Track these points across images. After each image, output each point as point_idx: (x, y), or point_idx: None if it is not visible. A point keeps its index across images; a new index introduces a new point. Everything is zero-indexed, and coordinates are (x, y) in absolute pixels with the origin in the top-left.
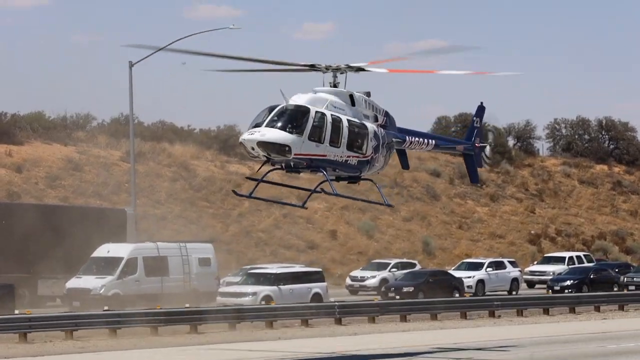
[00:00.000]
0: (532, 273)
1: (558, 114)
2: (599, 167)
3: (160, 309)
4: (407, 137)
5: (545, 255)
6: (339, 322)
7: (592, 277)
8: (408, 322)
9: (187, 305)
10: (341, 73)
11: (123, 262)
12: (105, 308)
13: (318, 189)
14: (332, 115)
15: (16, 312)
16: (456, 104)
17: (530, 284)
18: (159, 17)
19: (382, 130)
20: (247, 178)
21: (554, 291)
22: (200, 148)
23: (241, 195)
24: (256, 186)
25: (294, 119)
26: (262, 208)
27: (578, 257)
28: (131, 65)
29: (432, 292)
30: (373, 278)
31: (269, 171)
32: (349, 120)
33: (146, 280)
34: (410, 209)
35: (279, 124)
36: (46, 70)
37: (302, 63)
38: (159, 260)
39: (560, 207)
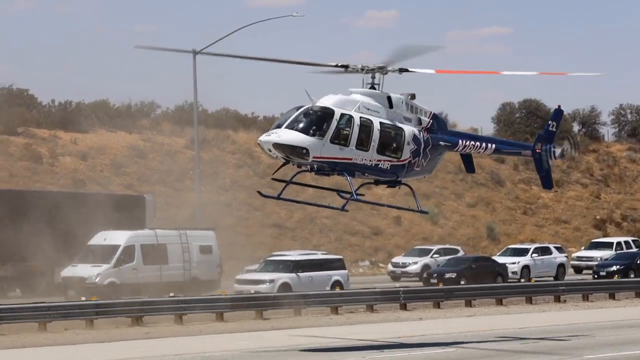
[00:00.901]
0: (579, 259)
1: (623, 100)
2: None
3: (226, 294)
4: (459, 141)
5: (593, 240)
6: (404, 307)
7: (638, 262)
8: (473, 307)
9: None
10: (384, 74)
11: (120, 250)
12: (94, 298)
13: (345, 195)
14: (361, 117)
15: (82, 298)
16: (520, 90)
17: (578, 270)
18: (221, 5)
19: (425, 133)
20: (272, 179)
21: (599, 277)
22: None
23: (267, 197)
24: (285, 187)
25: (316, 120)
26: (326, 194)
27: (626, 242)
28: (195, 53)
29: (474, 279)
30: (415, 264)
31: (297, 172)
32: (382, 123)
33: (144, 269)
34: (475, 195)
35: (299, 126)
36: (111, 59)
37: (334, 64)
38: (157, 248)
39: (626, 192)
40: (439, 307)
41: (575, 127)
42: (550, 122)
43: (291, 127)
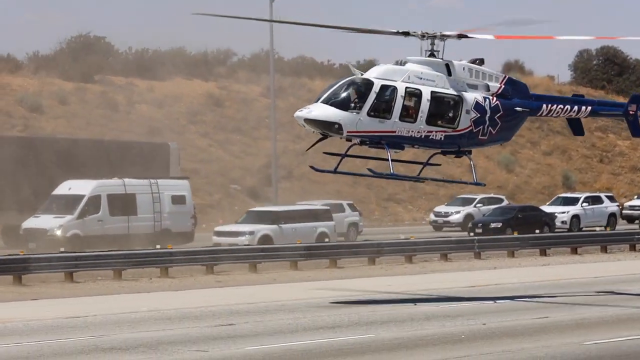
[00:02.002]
0: (632, 208)
1: None
2: None
3: (301, 243)
4: (543, 105)
5: None
6: (478, 256)
7: None
8: (548, 257)
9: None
10: (441, 40)
11: (84, 200)
12: (61, 249)
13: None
14: (407, 87)
15: (157, 246)
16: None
17: (630, 219)
18: None
19: (493, 100)
20: (325, 153)
21: None
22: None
23: (322, 171)
24: (340, 161)
25: (352, 93)
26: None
27: None
28: (272, 0)
29: (521, 228)
30: (457, 214)
31: (351, 145)
32: (434, 92)
33: (110, 220)
34: (551, 143)
35: (333, 100)
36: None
37: (395, 30)
38: (125, 198)
39: None
40: (513, 256)
41: None
42: None
43: (327, 101)
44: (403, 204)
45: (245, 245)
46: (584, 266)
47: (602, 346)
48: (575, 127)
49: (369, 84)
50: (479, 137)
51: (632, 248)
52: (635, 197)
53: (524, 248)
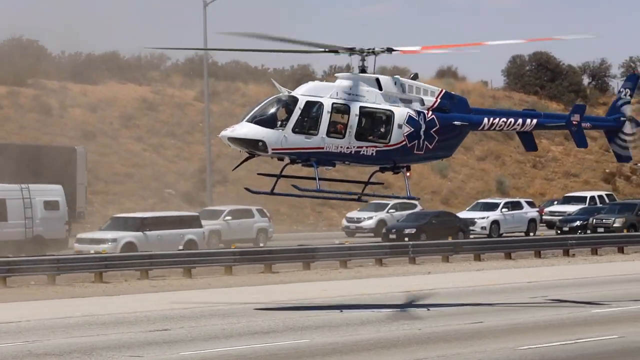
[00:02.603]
0: (552, 213)
1: (633, 52)
2: None
3: (235, 248)
4: (484, 119)
5: (566, 195)
6: (413, 261)
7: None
8: (482, 262)
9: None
10: (374, 54)
11: None
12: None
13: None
14: (334, 103)
15: (91, 251)
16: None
17: (550, 225)
18: None
19: (428, 114)
20: (259, 174)
21: (562, 232)
22: (273, 89)
23: (257, 192)
24: (276, 182)
25: (277, 111)
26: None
27: (600, 196)
28: (205, 4)
29: (435, 234)
30: (370, 219)
31: (286, 164)
32: (362, 107)
33: None
34: (485, 148)
35: (257, 118)
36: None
37: (323, 49)
38: None
39: (635, 145)
40: (447, 261)
41: (585, 80)
42: (622, 89)
43: (252, 119)
44: (338, 208)
45: (179, 250)
46: (518, 271)
47: (536, 351)
48: (527, 142)
49: (293, 100)
50: (415, 152)
51: (566, 253)
52: (556, 202)
53: (458, 253)
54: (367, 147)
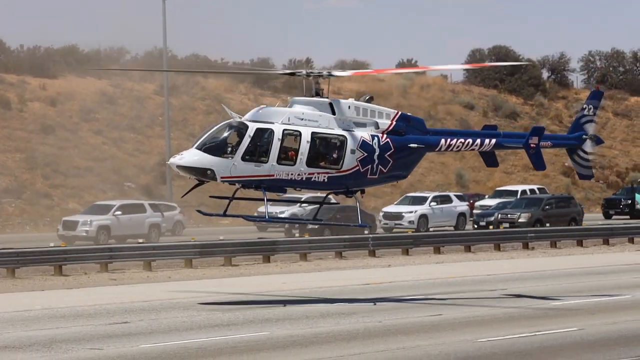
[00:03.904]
0: (482, 207)
1: (592, 46)
2: (633, 99)
3: (195, 241)
4: (441, 141)
5: (497, 188)
6: (372, 254)
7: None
8: (442, 254)
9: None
10: (324, 77)
11: None
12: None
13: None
14: (285, 130)
15: (51, 244)
16: (490, 36)
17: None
18: None
19: (383, 138)
20: (210, 197)
21: (479, 227)
22: (233, 81)
23: (210, 215)
24: (228, 204)
25: (226, 138)
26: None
27: (532, 190)
28: None
29: (338, 228)
30: (282, 214)
31: (237, 189)
32: (314, 133)
33: None
34: None
35: (207, 146)
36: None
37: (282, 71)
38: None
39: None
40: (407, 254)
41: (545, 74)
42: (585, 105)
43: (201, 147)
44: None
45: (139, 243)
46: (477, 264)
47: (495, 343)
48: (487, 159)
49: (243, 127)
50: (368, 176)
51: (525, 246)
52: (487, 196)
53: (418, 246)
54: (318, 173)
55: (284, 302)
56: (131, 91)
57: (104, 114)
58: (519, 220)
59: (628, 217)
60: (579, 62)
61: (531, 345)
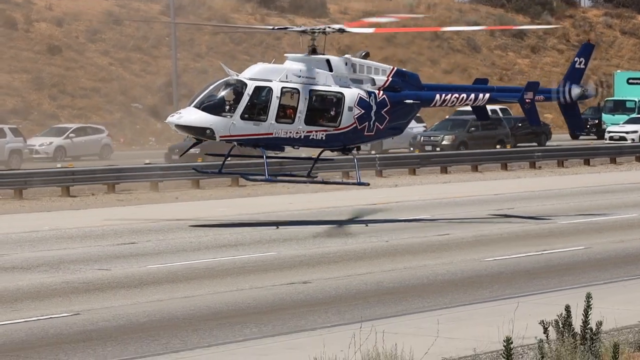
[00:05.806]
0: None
1: None
2: None
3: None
4: (436, 96)
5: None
6: (379, 174)
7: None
8: (449, 174)
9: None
10: (324, 34)
11: None
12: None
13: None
14: (283, 87)
15: (58, 165)
16: None
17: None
18: None
19: (379, 94)
20: (207, 154)
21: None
22: (240, 1)
23: (207, 172)
24: (224, 162)
25: (225, 96)
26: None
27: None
28: None
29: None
30: (50, 144)
31: (233, 146)
32: (312, 91)
33: None
34: (451, 62)
35: (205, 104)
36: None
37: (279, 27)
38: None
39: (602, 57)
40: (414, 173)
41: None
42: (577, 58)
43: (199, 105)
44: None
45: (145, 164)
46: (484, 184)
47: (502, 262)
48: (479, 112)
49: (242, 85)
50: (365, 133)
51: (532, 166)
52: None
53: (425, 166)
54: (316, 131)
55: (276, 224)
56: (137, 11)
57: (111, 34)
58: (442, 143)
59: (595, 137)
60: None
61: (537, 264)
